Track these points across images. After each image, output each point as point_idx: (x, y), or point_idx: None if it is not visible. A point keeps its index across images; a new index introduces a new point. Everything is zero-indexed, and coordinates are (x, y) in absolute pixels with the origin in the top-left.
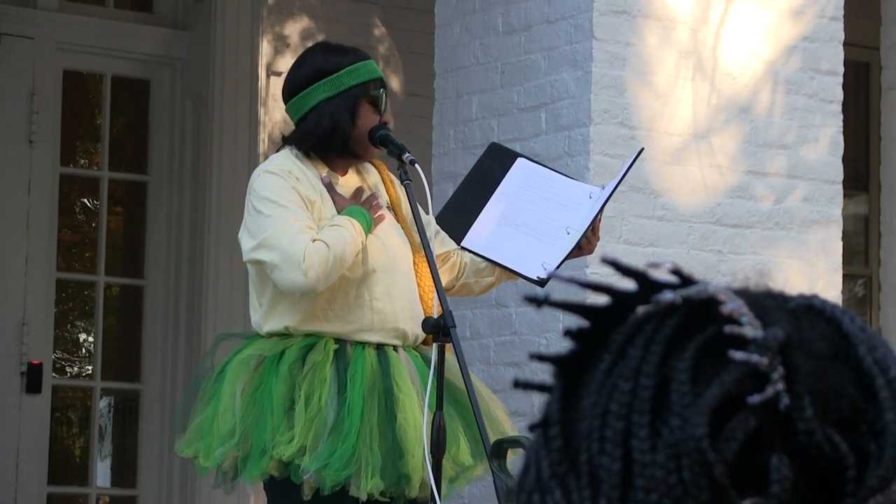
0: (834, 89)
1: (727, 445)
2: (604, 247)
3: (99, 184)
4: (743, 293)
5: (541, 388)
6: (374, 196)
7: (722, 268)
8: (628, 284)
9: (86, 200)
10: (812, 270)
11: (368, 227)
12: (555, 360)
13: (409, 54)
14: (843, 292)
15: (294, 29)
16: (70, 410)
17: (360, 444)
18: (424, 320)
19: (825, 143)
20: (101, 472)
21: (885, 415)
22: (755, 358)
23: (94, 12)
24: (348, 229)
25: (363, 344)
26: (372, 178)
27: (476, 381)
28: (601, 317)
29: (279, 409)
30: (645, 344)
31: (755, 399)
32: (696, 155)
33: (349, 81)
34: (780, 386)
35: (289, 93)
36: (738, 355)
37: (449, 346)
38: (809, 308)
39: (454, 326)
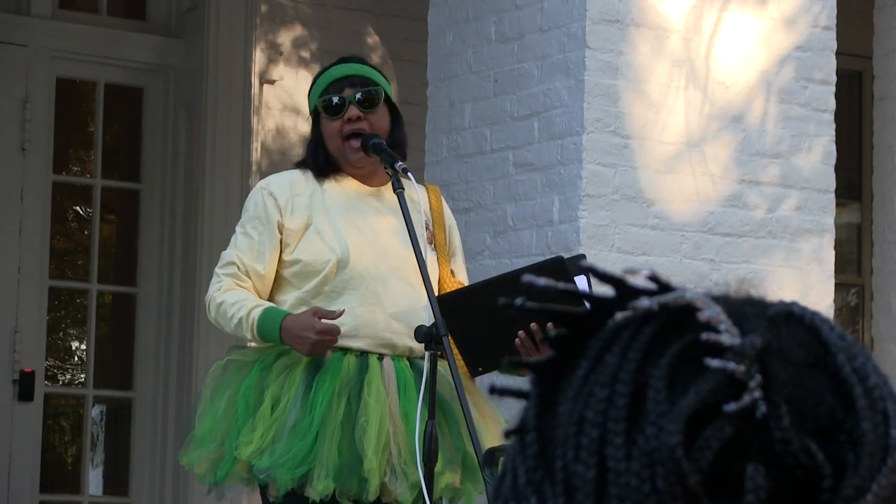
0: (827, 98)
1: (702, 454)
2: (596, 255)
3: (92, 191)
4: (722, 300)
5: (518, 394)
6: (321, 334)
7: (714, 276)
8: (606, 290)
9: (78, 208)
10: (805, 279)
11: (269, 335)
12: (532, 367)
13: (402, 63)
14: (835, 301)
15: (287, 37)
16: (62, 418)
17: (319, 444)
18: (417, 329)
19: (818, 152)
20: (94, 480)
21: (863, 424)
22: (732, 365)
23: (88, 20)
24: (237, 316)
25: (345, 350)
26: (412, 195)
27: (474, 390)
28: (579, 323)
29: (246, 411)
30: (622, 351)
31: (731, 407)
32: (688, 164)
33: (312, 101)
34: (757, 394)
35: None
36: (714, 363)
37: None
38: (789, 315)
39: (446, 335)
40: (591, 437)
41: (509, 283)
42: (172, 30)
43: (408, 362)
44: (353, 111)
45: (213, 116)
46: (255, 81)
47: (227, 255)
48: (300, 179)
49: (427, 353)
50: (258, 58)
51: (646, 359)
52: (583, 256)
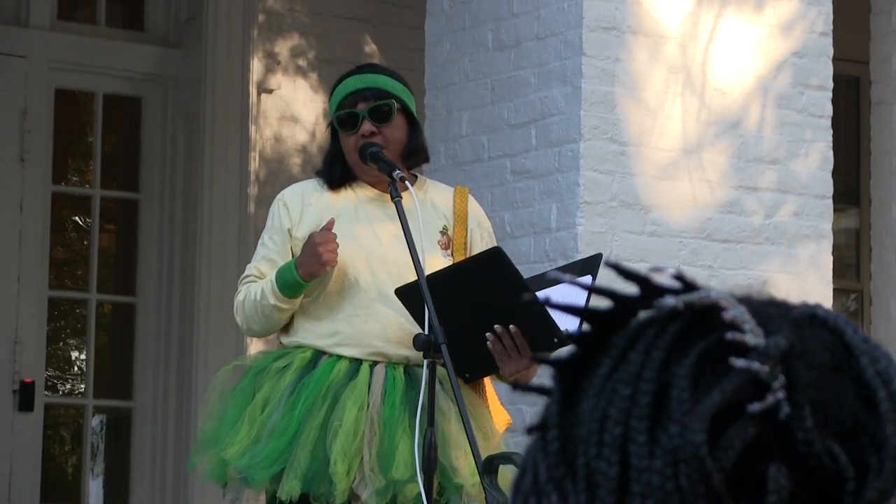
0: (824, 104)
1: (725, 453)
2: None
3: (91, 201)
4: (746, 301)
5: (540, 391)
6: (319, 237)
7: (713, 283)
8: (631, 289)
9: (77, 218)
10: (803, 285)
11: (288, 284)
12: (555, 364)
13: (399, 71)
14: (834, 307)
15: (285, 46)
16: (62, 428)
17: (294, 445)
18: (415, 337)
19: (815, 157)
20: (94, 490)
21: (886, 427)
22: (756, 366)
23: (86, 31)
24: (258, 288)
25: (339, 356)
26: (431, 197)
27: (472, 397)
28: (603, 321)
29: (236, 413)
30: (646, 349)
31: (755, 407)
32: (686, 170)
33: (331, 113)
34: (781, 395)
35: None
36: (738, 362)
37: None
38: (812, 318)
39: (445, 343)
40: (613, 434)
41: (460, 277)
42: (171, 40)
43: (402, 370)
44: (367, 126)
45: (212, 126)
46: (253, 91)
47: (248, 267)
48: (313, 190)
49: (425, 362)
50: (256, 67)
51: (670, 357)
52: (598, 257)
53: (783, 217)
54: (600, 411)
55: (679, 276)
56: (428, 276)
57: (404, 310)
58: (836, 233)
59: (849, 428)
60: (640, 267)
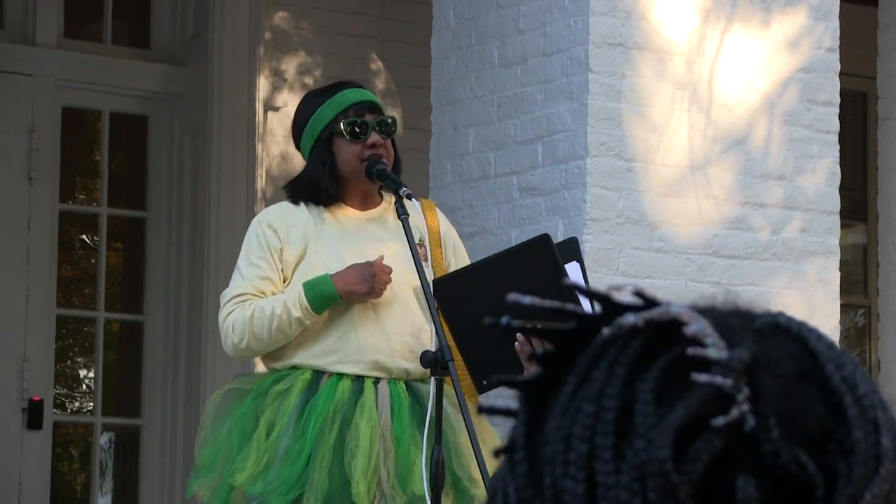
0: (831, 120)
1: (692, 466)
2: (601, 279)
3: (98, 220)
4: (709, 312)
5: (506, 412)
6: (378, 267)
7: (728, 294)
8: (595, 307)
9: (85, 237)
10: (810, 301)
11: (322, 297)
12: (520, 385)
13: (405, 88)
14: (842, 323)
15: (291, 64)
16: (71, 446)
17: (311, 468)
18: (422, 354)
19: (822, 173)
20: None
21: (854, 433)
22: (719, 380)
23: (92, 49)
24: (281, 300)
25: (340, 375)
26: (411, 209)
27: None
28: (566, 340)
29: (241, 438)
30: (609, 366)
31: (719, 421)
32: (692, 186)
33: (318, 127)
34: (746, 407)
35: (297, 149)
36: (701, 377)
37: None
38: (776, 326)
39: (452, 360)
40: (579, 452)
41: (498, 266)
42: (177, 58)
43: (404, 385)
44: (376, 137)
45: (218, 144)
46: (260, 108)
47: (234, 288)
48: (293, 212)
49: (432, 379)
50: (262, 85)
51: (633, 373)
52: (574, 240)
53: (790, 233)
54: (565, 430)
55: (639, 293)
56: (464, 267)
57: (405, 325)
58: (844, 249)
59: (816, 436)
60: (646, 284)
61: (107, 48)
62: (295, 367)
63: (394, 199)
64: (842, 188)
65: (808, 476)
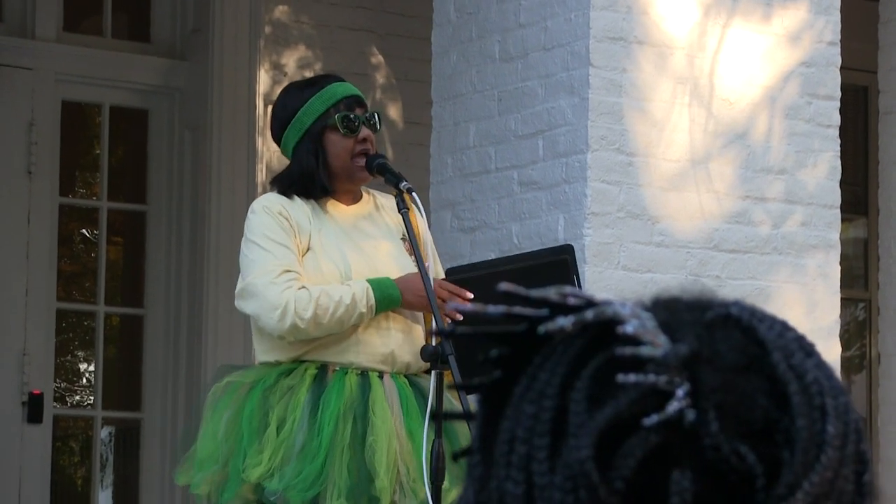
0: (832, 114)
1: (624, 463)
2: (602, 273)
3: (98, 214)
4: (667, 306)
5: (462, 416)
6: (447, 288)
7: (721, 293)
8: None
9: (85, 231)
10: (811, 295)
11: (387, 300)
12: (479, 388)
13: (406, 82)
14: (843, 317)
15: (291, 58)
16: (71, 440)
17: (329, 465)
18: (423, 348)
19: (823, 167)
20: (103, 502)
21: (798, 420)
22: (651, 378)
23: (92, 42)
24: (350, 290)
25: (346, 369)
26: (386, 204)
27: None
28: (519, 342)
29: (252, 433)
30: (552, 367)
31: (651, 420)
32: (693, 181)
33: (308, 120)
34: (683, 403)
35: (275, 143)
36: (628, 378)
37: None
38: (726, 318)
39: (452, 354)
40: (519, 453)
41: (511, 276)
42: (177, 52)
43: (406, 379)
44: (366, 131)
45: (219, 138)
46: (260, 102)
47: (273, 266)
48: (290, 203)
49: (433, 373)
50: (262, 79)
51: (572, 374)
52: (570, 247)
53: (791, 227)
54: (510, 432)
55: (575, 294)
56: (476, 264)
57: (404, 320)
58: (844, 243)
59: (760, 428)
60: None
61: (107, 42)
62: (300, 361)
63: (375, 196)
64: (842, 182)
65: (748, 468)
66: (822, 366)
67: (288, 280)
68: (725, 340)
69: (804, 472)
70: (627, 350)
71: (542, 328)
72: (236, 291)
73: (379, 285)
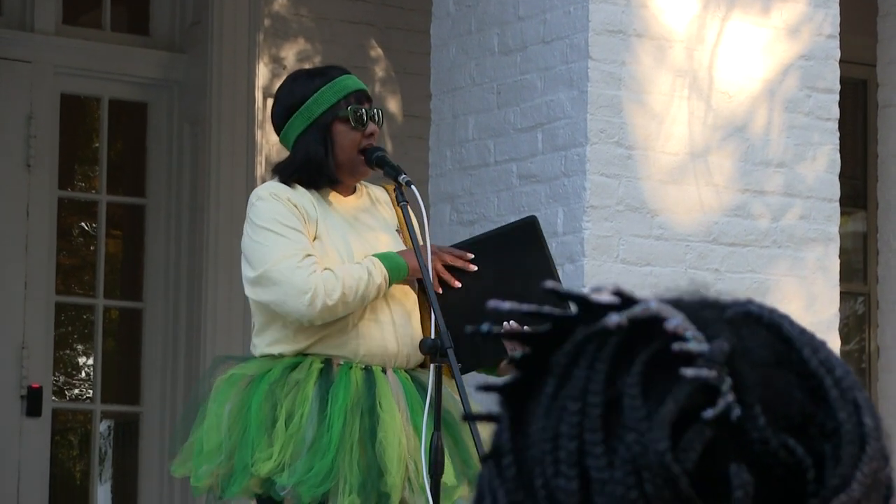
0: (831, 107)
1: (686, 456)
2: (600, 266)
3: (97, 207)
4: (679, 305)
5: (489, 418)
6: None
7: (719, 286)
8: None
9: (84, 224)
10: (810, 288)
11: (396, 269)
12: (500, 389)
13: (405, 75)
14: (842, 310)
15: (290, 51)
16: (70, 433)
17: (339, 460)
18: (422, 341)
19: (822, 160)
20: (102, 495)
21: (839, 414)
22: (706, 373)
23: (92, 35)
24: (365, 266)
25: (350, 364)
26: (380, 197)
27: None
28: (541, 343)
29: (260, 427)
30: (589, 364)
31: (709, 413)
32: (692, 174)
33: (317, 109)
34: (731, 398)
35: (275, 129)
36: (689, 372)
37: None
38: (747, 315)
39: (451, 347)
40: (569, 450)
41: (485, 247)
42: (176, 45)
43: (408, 375)
44: (373, 126)
45: (218, 131)
46: (259, 95)
47: (293, 250)
48: (294, 192)
49: (432, 366)
50: (262, 72)
51: (614, 370)
52: (533, 219)
53: (790, 220)
54: (551, 430)
55: (618, 292)
56: (454, 245)
57: (403, 314)
58: (843, 236)
59: (798, 422)
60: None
61: (106, 35)
62: (303, 355)
63: (368, 189)
64: (842, 176)
65: (797, 460)
66: (841, 362)
67: (312, 264)
68: (753, 337)
69: (854, 463)
70: (683, 345)
71: (600, 324)
72: (251, 279)
73: (385, 257)
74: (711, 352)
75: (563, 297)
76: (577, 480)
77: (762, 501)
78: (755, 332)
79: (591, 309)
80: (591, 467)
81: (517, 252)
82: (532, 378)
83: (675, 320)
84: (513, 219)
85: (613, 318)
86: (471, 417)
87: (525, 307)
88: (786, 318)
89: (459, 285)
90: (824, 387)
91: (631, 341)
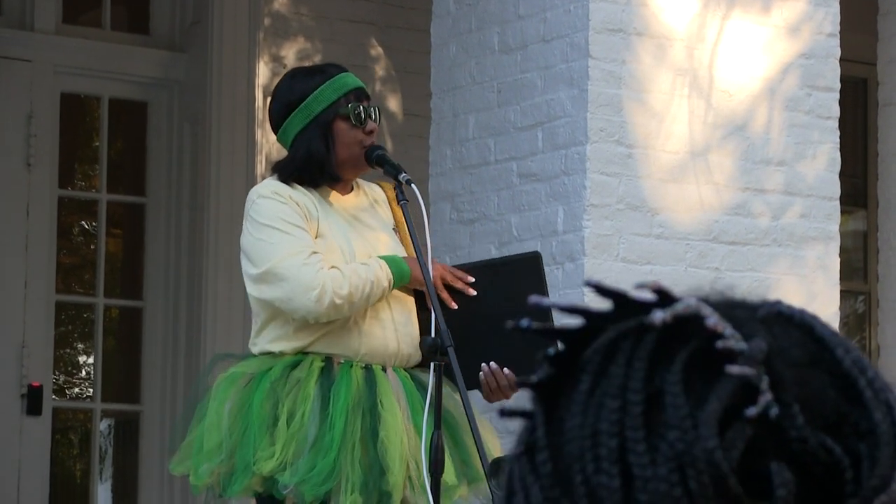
0: (831, 106)
1: (730, 455)
2: (601, 265)
3: (97, 206)
4: (713, 305)
5: (523, 414)
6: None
7: (719, 285)
8: (603, 305)
9: (84, 223)
10: (810, 287)
11: (400, 274)
12: (534, 386)
13: (405, 74)
14: (842, 309)
15: (290, 50)
16: (70, 432)
17: (341, 459)
18: (422, 340)
19: (822, 159)
20: (102, 494)
21: (874, 415)
22: (748, 370)
23: (91, 35)
24: (372, 268)
25: (350, 362)
26: (377, 196)
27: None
28: (574, 339)
29: (261, 426)
30: (627, 361)
31: (752, 411)
32: (692, 172)
33: (317, 107)
34: (770, 396)
35: (272, 127)
36: (734, 369)
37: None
38: (778, 315)
39: (452, 346)
40: (609, 447)
41: (485, 274)
42: (176, 44)
43: (408, 374)
44: (373, 124)
45: (218, 130)
46: (260, 94)
47: (300, 248)
48: (293, 190)
49: (432, 365)
50: (262, 71)
51: (652, 367)
52: (537, 255)
53: (790, 219)
54: (590, 427)
55: (659, 289)
56: (457, 265)
57: (402, 312)
58: (844, 235)
59: (833, 421)
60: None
61: (106, 34)
62: (303, 353)
63: (365, 188)
64: (842, 174)
65: (835, 459)
66: (870, 363)
67: (319, 261)
68: (786, 337)
69: (893, 463)
70: (727, 343)
71: (645, 320)
72: (254, 276)
73: (391, 261)
74: (751, 350)
75: (604, 295)
76: (619, 478)
77: (800, 501)
78: (788, 332)
79: (625, 306)
80: (634, 464)
81: (516, 283)
82: (562, 375)
83: (714, 318)
84: (513, 218)
85: (658, 315)
86: (508, 414)
87: (563, 302)
88: (817, 318)
89: (456, 307)
90: (858, 387)
91: (668, 339)
